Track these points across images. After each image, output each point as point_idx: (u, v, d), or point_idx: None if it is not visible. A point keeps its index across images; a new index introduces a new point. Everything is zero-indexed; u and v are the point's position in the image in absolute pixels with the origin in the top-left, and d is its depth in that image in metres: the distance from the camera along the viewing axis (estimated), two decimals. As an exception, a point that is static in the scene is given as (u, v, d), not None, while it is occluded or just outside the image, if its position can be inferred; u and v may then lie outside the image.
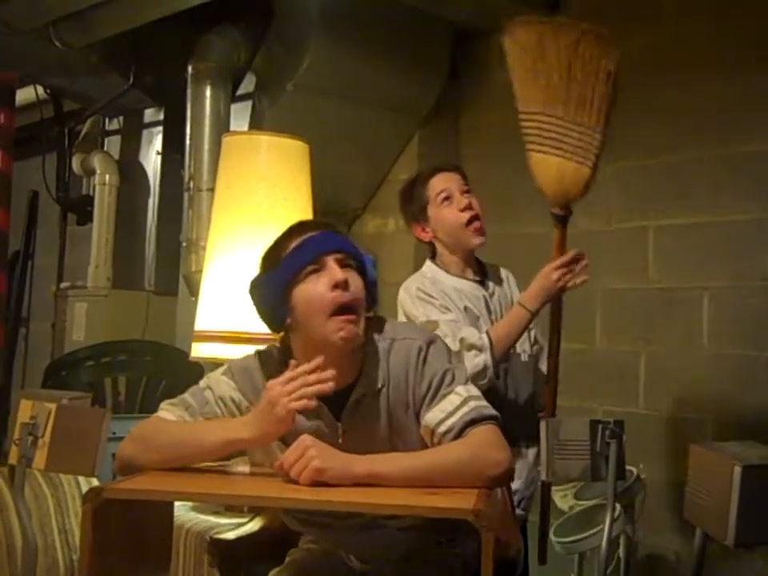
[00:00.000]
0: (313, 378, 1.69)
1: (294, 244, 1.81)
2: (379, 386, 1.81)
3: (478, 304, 2.52)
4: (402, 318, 2.47)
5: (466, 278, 2.57)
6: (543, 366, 2.59)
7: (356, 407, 1.81)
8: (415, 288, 2.49)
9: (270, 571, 1.94)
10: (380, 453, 1.73)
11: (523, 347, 2.55)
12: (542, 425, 2.06)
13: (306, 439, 1.68)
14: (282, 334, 1.90)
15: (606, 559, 2.09)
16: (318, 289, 1.77)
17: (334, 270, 1.78)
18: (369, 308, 1.85)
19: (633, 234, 3.62)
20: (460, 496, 1.64)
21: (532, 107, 2.43)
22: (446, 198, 2.53)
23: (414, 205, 2.59)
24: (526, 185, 3.82)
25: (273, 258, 1.85)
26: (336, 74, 3.90)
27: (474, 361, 2.35)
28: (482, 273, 2.61)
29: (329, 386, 1.70)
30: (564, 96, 2.39)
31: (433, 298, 2.45)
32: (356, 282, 1.81)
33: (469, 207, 2.52)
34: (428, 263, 2.62)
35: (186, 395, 1.87)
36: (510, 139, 4.09)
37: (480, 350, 2.36)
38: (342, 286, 1.77)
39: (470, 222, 2.51)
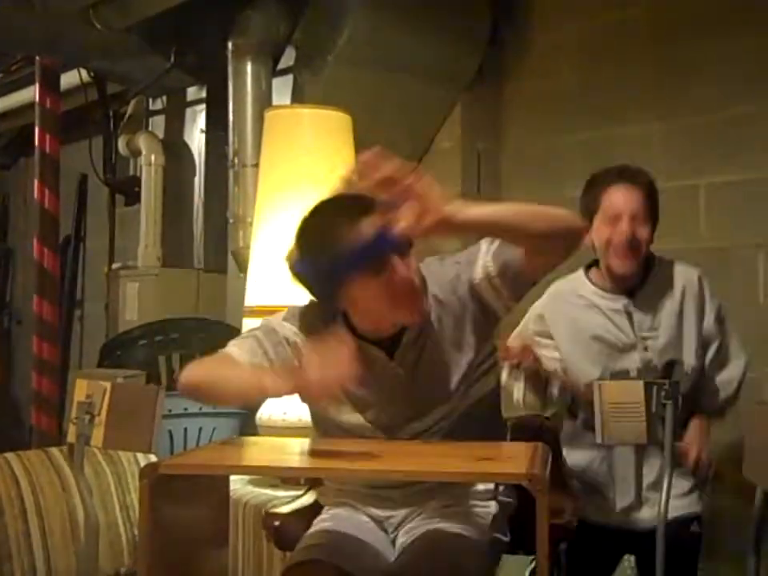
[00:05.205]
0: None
1: (349, 247, 1.78)
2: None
3: (619, 320, 2.42)
4: None
5: (605, 290, 2.48)
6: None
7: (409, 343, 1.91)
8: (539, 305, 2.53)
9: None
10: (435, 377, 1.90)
11: None
12: (596, 387, 2.04)
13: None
14: None
15: (664, 520, 2.08)
16: (379, 290, 1.81)
17: (400, 269, 1.81)
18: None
19: (683, 192, 3.55)
20: (513, 461, 1.63)
21: None
22: (614, 218, 2.40)
23: (586, 199, 2.47)
24: (568, 149, 3.79)
25: (323, 246, 1.83)
26: (376, 45, 3.86)
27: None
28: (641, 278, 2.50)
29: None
30: None
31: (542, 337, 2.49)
32: (410, 262, 1.85)
33: (623, 235, 2.38)
34: (580, 272, 2.55)
35: (259, 333, 1.96)
36: (553, 103, 4.08)
37: None
38: (404, 283, 1.82)
39: (613, 245, 2.39)
